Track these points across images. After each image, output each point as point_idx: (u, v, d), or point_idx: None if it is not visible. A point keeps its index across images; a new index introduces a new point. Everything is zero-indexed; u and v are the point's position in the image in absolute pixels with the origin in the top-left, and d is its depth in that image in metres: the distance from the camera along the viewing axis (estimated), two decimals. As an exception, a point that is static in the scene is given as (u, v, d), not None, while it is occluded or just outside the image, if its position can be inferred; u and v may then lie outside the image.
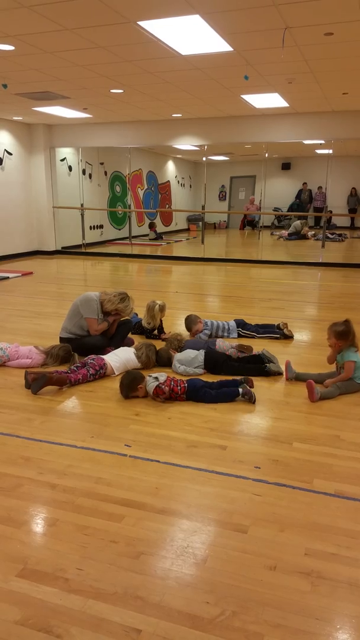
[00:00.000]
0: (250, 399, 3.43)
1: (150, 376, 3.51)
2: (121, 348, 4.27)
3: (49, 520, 2.21)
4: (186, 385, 3.47)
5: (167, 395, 3.43)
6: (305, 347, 4.73)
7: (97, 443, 2.88)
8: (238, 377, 3.68)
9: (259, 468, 2.63)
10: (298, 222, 15.28)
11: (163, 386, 3.41)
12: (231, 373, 3.83)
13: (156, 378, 3.47)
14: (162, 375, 3.51)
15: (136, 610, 1.72)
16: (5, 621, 1.68)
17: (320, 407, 3.39)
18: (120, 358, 4.02)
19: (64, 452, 2.79)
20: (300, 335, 5.14)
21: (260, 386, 3.76)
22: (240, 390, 3.46)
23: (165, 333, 5.10)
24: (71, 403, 3.48)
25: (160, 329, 5.07)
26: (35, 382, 3.58)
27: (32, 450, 2.80)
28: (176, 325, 5.36)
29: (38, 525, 2.18)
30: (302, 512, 2.27)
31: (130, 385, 3.52)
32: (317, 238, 15.13)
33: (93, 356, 4.02)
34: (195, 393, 3.45)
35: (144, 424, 3.14)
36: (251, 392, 3.45)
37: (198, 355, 3.98)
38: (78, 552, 2.00)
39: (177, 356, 4.03)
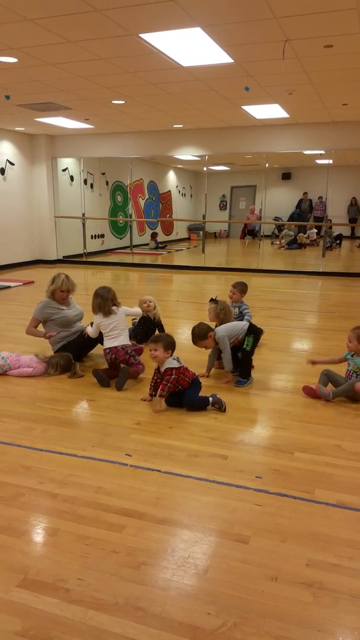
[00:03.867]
0: (220, 408, 3.45)
1: (175, 357, 3.52)
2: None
3: (49, 530, 2.20)
4: (193, 377, 3.54)
5: (173, 385, 3.43)
6: (305, 356, 4.72)
7: (97, 452, 2.88)
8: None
9: (260, 478, 2.62)
10: (286, 230, 15.46)
11: (171, 375, 3.42)
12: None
13: (178, 359, 3.49)
14: (181, 360, 3.54)
15: (137, 621, 1.71)
16: (6, 632, 1.67)
17: (321, 417, 3.39)
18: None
19: (64, 461, 2.78)
20: (301, 344, 5.14)
21: (261, 395, 3.76)
22: (211, 399, 3.48)
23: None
24: (72, 412, 3.47)
25: (161, 330, 5.09)
26: (119, 379, 3.86)
27: (32, 460, 2.80)
28: (177, 335, 5.36)
29: (39, 535, 2.17)
30: (304, 522, 2.26)
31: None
32: (312, 240, 15.28)
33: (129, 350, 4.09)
34: (194, 388, 3.52)
35: (144, 433, 3.14)
36: (221, 400, 3.48)
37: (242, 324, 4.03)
38: (79, 562, 1.99)
39: (219, 329, 4.01)
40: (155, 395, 3.56)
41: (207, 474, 2.65)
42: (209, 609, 1.77)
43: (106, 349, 4.09)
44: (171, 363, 3.44)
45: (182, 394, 3.48)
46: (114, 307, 4.14)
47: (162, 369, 3.46)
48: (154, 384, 3.59)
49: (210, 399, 3.48)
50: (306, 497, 2.45)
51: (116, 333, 4.09)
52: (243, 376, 3.97)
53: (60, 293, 4.43)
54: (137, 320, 5.08)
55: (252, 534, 2.17)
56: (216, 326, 4.26)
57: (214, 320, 4.32)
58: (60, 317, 4.42)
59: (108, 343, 4.08)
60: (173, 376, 3.41)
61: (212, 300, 4.34)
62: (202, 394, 3.56)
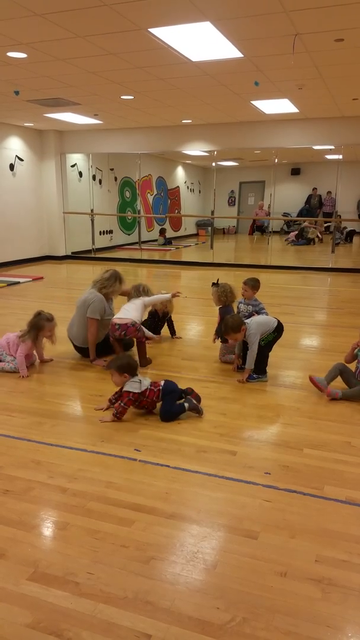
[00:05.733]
0: (199, 413, 3.29)
1: (137, 376, 3.29)
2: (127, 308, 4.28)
3: (59, 524, 2.21)
4: (161, 387, 3.31)
5: (122, 406, 3.21)
6: (314, 353, 4.72)
7: (107, 447, 2.89)
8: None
9: (269, 474, 2.62)
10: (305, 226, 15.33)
11: (129, 397, 3.20)
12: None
13: (140, 381, 3.26)
14: (146, 379, 3.32)
15: (146, 615, 1.72)
16: (16, 624, 1.69)
17: (330, 413, 3.38)
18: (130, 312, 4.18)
19: (74, 456, 2.80)
20: (310, 341, 5.13)
21: (270, 391, 3.75)
22: (186, 405, 3.29)
23: (176, 334, 5.11)
24: (81, 407, 3.49)
25: (172, 331, 5.09)
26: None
27: (42, 454, 2.81)
28: (186, 330, 5.37)
29: (49, 529, 2.19)
30: (313, 518, 2.26)
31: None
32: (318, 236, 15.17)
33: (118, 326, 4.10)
34: (169, 399, 3.29)
35: (153, 428, 3.14)
36: (197, 406, 3.30)
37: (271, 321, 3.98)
38: (88, 556, 2.01)
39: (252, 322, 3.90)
40: (113, 405, 3.34)
41: (216, 470, 2.65)
42: (218, 604, 1.77)
43: (115, 324, 4.09)
44: (131, 386, 3.22)
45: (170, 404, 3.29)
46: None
47: (122, 390, 3.28)
48: (118, 395, 3.35)
49: (186, 404, 3.29)
50: (315, 494, 2.44)
51: (125, 312, 4.16)
52: (257, 372, 3.96)
53: (122, 289, 4.44)
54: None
55: (261, 530, 2.17)
56: (220, 308, 4.39)
57: (218, 303, 4.43)
58: (107, 318, 4.30)
59: (116, 320, 4.12)
60: (130, 399, 3.21)
61: (213, 284, 4.46)
62: (204, 390, 3.50)
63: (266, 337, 3.90)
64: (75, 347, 4.47)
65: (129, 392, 3.21)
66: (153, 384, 3.32)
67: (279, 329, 3.97)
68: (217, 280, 4.48)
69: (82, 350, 4.42)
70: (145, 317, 4.94)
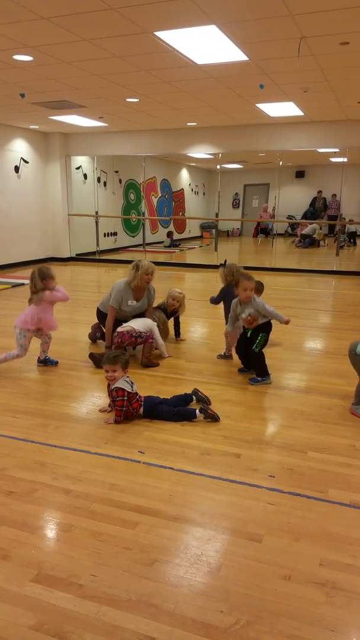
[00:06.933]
0: (214, 419, 3.24)
1: (127, 377, 3.27)
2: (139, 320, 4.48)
3: (63, 525, 2.21)
4: (142, 402, 3.28)
5: (123, 406, 3.18)
6: (319, 356, 4.70)
7: (111, 449, 2.89)
8: (190, 393, 3.50)
9: (274, 477, 2.61)
10: (316, 226, 15.25)
11: (123, 396, 3.16)
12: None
13: (132, 384, 3.25)
14: (135, 385, 3.30)
15: (150, 618, 1.72)
16: (20, 626, 1.69)
17: (335, 417, 3.37)
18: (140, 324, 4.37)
19: (78, 457, 2.80)
20: (315, 343, 5.12)
21: (275, 394, 3.75)
22: (198, 413, 3.26)
23: (180, 336, 5.10)
24: (85, 409, 3.49)
25: (177, 331, 5.09)
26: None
27: (46, 455, 2.82)
28: (190, 332, 5.37)
29: (52, 531, 2.19)
30: (317, 522, 2.25)
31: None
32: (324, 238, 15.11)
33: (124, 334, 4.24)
34: (153, 410, 3.26)
35: (157, 430, 3.14)
36: (213, 414, 3.25)
37: None
38: (92, 558, 2.01)
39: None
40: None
41: (220, 472, 2.65)
42: (222, 607, 1.77)
43: (115, 332, 4.30)
44: (123, 384, 3.19)
45: (158, 412, 3.27)
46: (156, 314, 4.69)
47: (113, 386, 3.21)
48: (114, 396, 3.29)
49: (199, 414, 3.25)
50: (320, 497, 2.44)
51: (130, 322, 4.35)
52: (259, 375, 3.95)
53: (146, 277, 4.55)
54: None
55: (265, 533, 2.16)
56: (223, 288, 4.56)
57: (224, 282, 4.55)
58: (122, 309, 4.50)
59: (119, 329, 4.31)
60: (125, 398, 3.16)
61: (221, 265, 4.58)
62: (211, 388, 3.51)
63: (257, 340, 3.89)
64: (99, 314, 4.80)
65: (124, 390, 3.17)
66: (138, 395, 3.30)
67: (266, 329, 3.98)
68: (225, 261, 4.61)
69: (101, 317, 4.74)
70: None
